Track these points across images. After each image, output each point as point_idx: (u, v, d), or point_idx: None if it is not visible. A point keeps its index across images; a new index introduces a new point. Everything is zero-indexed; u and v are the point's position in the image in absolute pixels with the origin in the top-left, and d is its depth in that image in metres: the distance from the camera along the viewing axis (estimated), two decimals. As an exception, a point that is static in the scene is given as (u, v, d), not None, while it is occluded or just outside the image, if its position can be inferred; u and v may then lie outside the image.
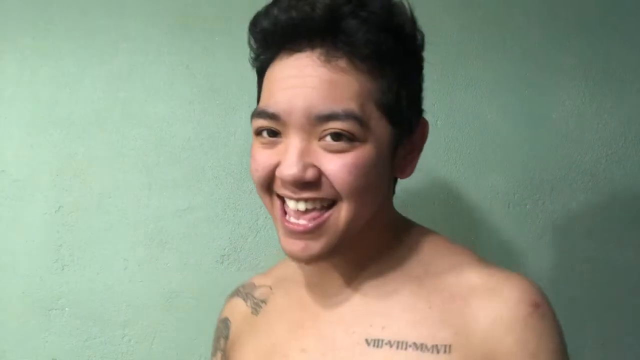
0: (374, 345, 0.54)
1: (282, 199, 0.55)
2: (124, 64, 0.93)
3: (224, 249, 0.94)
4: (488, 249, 0.97)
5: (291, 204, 0.54)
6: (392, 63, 0.53)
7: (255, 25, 0.56)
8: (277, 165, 0.53)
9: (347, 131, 0.51)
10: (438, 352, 0.51)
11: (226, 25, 0.95)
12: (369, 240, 0.59)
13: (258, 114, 0.54)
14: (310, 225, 0.53)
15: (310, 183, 0.52)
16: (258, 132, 0.55)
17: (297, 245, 0.54)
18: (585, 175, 0.99)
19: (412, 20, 0.56)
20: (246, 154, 0.95)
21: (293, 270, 0.66)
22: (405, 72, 0.55)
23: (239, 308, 0.70)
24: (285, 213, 0.55)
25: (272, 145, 0.54)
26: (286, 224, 0.54)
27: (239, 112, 0.95)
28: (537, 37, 0.99)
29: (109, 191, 0.93)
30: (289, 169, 0.51)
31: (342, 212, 0.53)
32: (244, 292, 0.71)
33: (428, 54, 0.99)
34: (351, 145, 0.51)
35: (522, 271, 0.96)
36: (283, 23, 0.52)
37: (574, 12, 0.99)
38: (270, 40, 0.55)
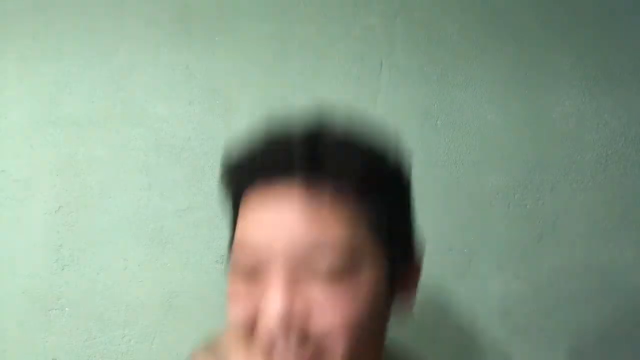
0: None
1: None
2: (124, 64, 0.93)
3: (224, 249, 0.94)
4: (488, 249, 0.97)
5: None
6: (379, 189, 0.48)
7: (229, 157, 0.52)
8: (255, 316, 0.46)
9: (337, 266, 0.45)
10: None
11: (226, 25, 0.95)
12: None
13: (237, 248, 0.50)
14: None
15: (297, 335, 0.44)
16: (235, 267, 0.50)
17: None
18: (585, 175, 0.99)
19: (398, 150, 0.51)
20: (246, 154, 0.95)
21: None
22: (394, 199, 0.51)
23: None
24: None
25: (252, 281, 0.48)
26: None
27: (239, 112, 0.95)
28: (537, 37, 0.99)
29: (109, 191, 0.93)
30: (271, 325, 0.44)
31: (337, 356, 0.45)
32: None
33: (428, 55, 0.99)
34: (343, 276, 0.45)
35: (523, 271, 0.97)
36: (259, 154, 0.49)
37: (573, 12, 0.99)
38: (246, 171, 0.50)
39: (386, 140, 0.51)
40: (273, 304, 0.44)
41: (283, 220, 0.46)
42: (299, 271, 0.45)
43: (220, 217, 0.94)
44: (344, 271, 0.45)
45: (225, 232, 0.95)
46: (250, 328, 0.46)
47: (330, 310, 0.44)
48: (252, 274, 0.47)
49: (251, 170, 0.49)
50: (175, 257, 0.93)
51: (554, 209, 0.98)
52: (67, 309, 0.91)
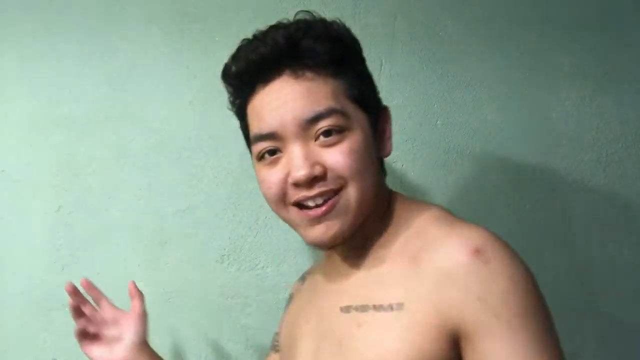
0: (344, 311, 0.62)
1: (297, 206, 0.62)
2: (124, 64, 0.94)
3: (224, 249, 0.94)
4: (488, 249, 0.97)
5: (310, 203, 0.61)
6: (347, 64, 0.63)
7: (228, 72, 0.67)
8: (286, 178, 0.61)
9: (335, 125, 0.60)
10: (392, 309, 0.58)
11: (226, 25, 0.95)
12: (371, 219, 0.65)
13: (256, 139, 0.63)
14: (326, 207, 0.60)
15: (318, 177, 0.59)
16: (260, 157, 0.64)
17: (319, 230, 0.61)
18: (585, 175, 0.99)
19: (349, 31, 0.66)
20: (246, 154, 0.95)
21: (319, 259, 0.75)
22: (359, 70, 0.66)
23: (298, 285, 0.81)
24: (302, 211, 0.62)
25: (275, 163, 0.62)
26: (307, 214, 0.61)
27: (239, 112, 0.95)
28: (537, 37, 0.99)
29: (109, 191, 0.93)
30: (299, 170, 0.59)
31: (351, 192, 0.60)
32: (304, 275, 0.82)
33: (428, 55, 0.99)
34: (342, 135, 0.60)
35: (522, 271, 0.97)
36: (255, 60, 0.63)
37: (573, 13, 0.99)
38: (246, 79, 0.64)
39: (342, 29, 0.65)
40: (296, 159, 0.60)
41: (285, 105, 0.60)
42: (308, 139, 0.60)
43: (220, 217, 0.94)
44: (340, 131, 0.60)
45: (226, 232, 0.95)
46: (283, 194, 0.62)
47: (338, 161, 0.59)
48: (273, 155, 0.62)
49: (250, 80, 0.64)
50: (175, 257, 0.93)
51: (554, 209, 0.98)
52: (67, 309, 0.91)
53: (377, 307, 0.59)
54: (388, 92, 0.95)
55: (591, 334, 0.97)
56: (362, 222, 0.63)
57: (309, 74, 0.61)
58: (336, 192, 0.60)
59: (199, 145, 0.94)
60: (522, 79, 0.98)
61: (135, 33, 0.94)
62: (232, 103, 0.70)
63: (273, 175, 0.62)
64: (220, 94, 0.95)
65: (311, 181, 0.60)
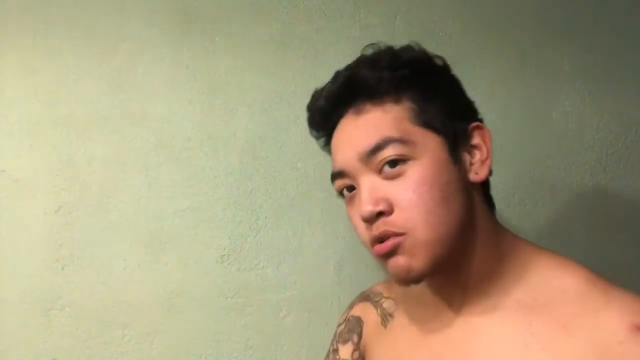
0: None
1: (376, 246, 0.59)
2: (124, 64, 0.93)
3: (224, 249, 0.94)
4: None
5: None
6: (411, 88, 0.60)
7: (310, 120, 0.68)
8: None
9: (396, 155, 0.56)
10: None
11: (226, 25, 0.95)
12: (470, 258, 0.60)
13: (332, 177, 0.63)
14: (387, 247, 0.57)
15: (385, 213, 0.57)
16: (339, 193, 0.64)
17: (391, 264, 0.58)
18: (585, 175, 0.99)
19: (419, 52, 0.64)
20: (246, 154, 0.95)
21: (413, 290, 0.66)
22: (430, 90, 0.61)
23: (370, 314, 0.74)
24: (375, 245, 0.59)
25: (353, 200, 0.61)
26: (376, 250, 0.58)
27: (239, 112, 0.95)
28: (537, 38, 0.99)
29: (109, 191, 0.93)
30: (363, 206, 0.57)
31: (419, 232, 0.56)
32: (374, 299, 0.75)
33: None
34: (407, 166, 0.57)
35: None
36: (322, 105, 0.65)
37: (573, 13, 0.99)
38: (321, 124, 0.66)
39: (410, 49, 0.64)
40: (361, 194, 0.58)
41: (348, 142, 0.60)
42: (373, 173, 0.58)
43: (220, 217, 0.94)
44: (404, 161, 0.56)
45: (226, 232, 0.95)
46: (365, 229, 0.59)
47: (402, 197, 0.56)
48: (351, 192, 0.61)
49: (324, 124, 0.65)
50: (175, 257, 0.93)
51: (554, 209, 0.98)
52: (67, 309, 0.91)
53: None
54: (388, 92, 0.95)
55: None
56: (456, 258, 0.58)
57: (368, 107, 0.60)
58: (401, 234, 0.56)
59: (199, 145, 0.94)
60: (522, 79, 0.98)
61: (135, 33, 0.94)
62: (319, 138, 0.69)
63: (355, 214, 0.61)
64: (220, 94, 0.95)
65: (377, 217, 0.57)
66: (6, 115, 0.92)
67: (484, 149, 0.61)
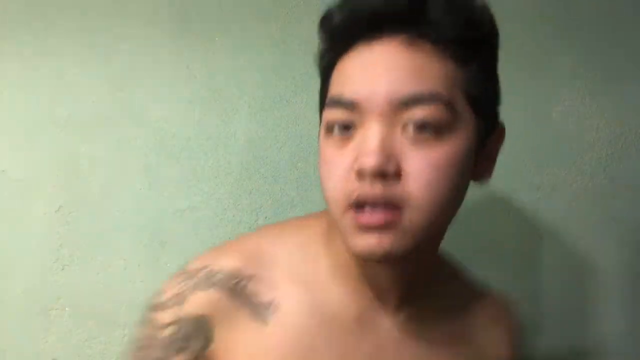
0: None
1: (355, 209, 0.49)
2: (124, 64, 0.93)
3: (224, 249, 0.94)
4: (488, 250, 0.97)
5: (367, 206, 0.48)
6: (476, 52, 0.51)
7: (327, 19, 0.54)
8: (352, 165, 0.48)
9: (434, 118, 0.47)
10: None
11: (226, 25, 0.95)
12: (429, 255, 0.57)
13: (332, 103, 0.49)
14: (380, 219, 0.47)
15: (388, 177, 0.46)
16: (328, 128, 0.50)
17: (370, 240, 0.48)
18: (585, 175, 0.99)
19: (493, 20, 0.55)
20: (246, 154, 0.95)
21: (304, 271, 0.56)
22: (487, 64, 0.54)
23: (225, 308, 0.55)
24: (357, 214, 0.49)
25: (344, 143, 0.49)
26: (360, 219, 0.48)
27: (239, 112, 0.95)
28: (537, 37, 0.99)
29: (109, 191, 0.93)
30: (369, 156, 0.46)
31: (418, 214, 0.48)
32: (225, 284, 0.55)
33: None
34: (439, 137, 0.47)
35: (522, 272, 0.97)
36: (365, 12, 0.49)
37: (574, 12, 0.99)
38: (347, 32, 0.51)
39: (484, 7, 0.53)
40: (370, 141, 0.46)
41: (382, 74, 0.47)
42: (393, 125, 0.47)
43: (220, 217, 0.94)
44: (438, 130, 0.47)
45: (225, 232, 0.95)
46: (347, 188, 0.48)
47: (420, 171, 0.47)
48: (344, 132, 0.49)
49: (352, 34, 0.50)
50: (175, 257, 0.93)
51: (554, 209, 0.98)
52: (67, 309, 0.91)
53: None
54: (388, 92, 0.95)
55: (591, 335, 0.97)
56: (427, 246, 0.54)
57: (427, 47, 0.48)
58: (400, 207, 0.48)
59: (199, 145, 0.94)
60: (522, 79, 0.98)
61: (135, 33, 0.94)
62: (321, 57, 0.56)
63: (340, 157, 0.49)
64: (220, 94, 0.95)
65: (380, 177, 0.46)
66: (6, 115, 0.92)
67: (495, 153, 0.57)
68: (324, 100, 0.54)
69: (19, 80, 0.92)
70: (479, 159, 0.54)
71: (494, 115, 0.56)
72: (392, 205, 0.47)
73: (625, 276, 0.98)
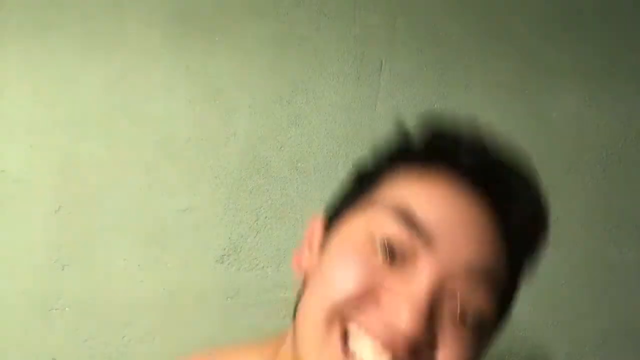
0: None
1: (344, 340, 0.40)
2: (124, 64, 0.93)
3: (224, 249, 0.94)
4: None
5: (366, 353, 0.39)
6: (523, 262, 0.46)
7: (456, 154, 0.44)
8: (379, 287, 0.40)
9: (483, 309, 0.41)
10: None
11: (226, 25, 0.95)
12: None
13: (395, 212, 0.40)
14: None
15: (415, 349, 0.39)
16: (370, 240, 0.41)
17: None
18: (585, 175, 0.99)
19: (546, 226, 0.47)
20: (246, 154, 0.95)
21: None
22: (521, 279, 0.48)
23: None
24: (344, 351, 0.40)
25: (389, 270, 0.40)
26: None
27: (239, 112, 0.95)
28: (537, 38, 0.99)
29: (109, 191, 0.93)
30: (408, 314, 0.38)
31: None
32: None
33: (428, 55, 0.99)
34: (473, 330, 0.41)
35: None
36: (477, 160, 0.44)
37: (574, 12, 0.99)
38: (447, 155, 0.44)
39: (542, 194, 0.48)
40: (419, 291, 0.38)
41: (472, 229, 0.41)
42: (444, 293, 0.40)
43: (220, 217, 0.94)
44: (478, 324, 0.41)
45: (225, 232, 0.95)
46: (359, 303, 0.39)
47: (453, 351, 0.40)
48: (389, 257, 0.40)
49: (449, 158, 0.43)
50: (175, 257, 0.93)
51: (554, 209, 0.98)
52: (67, 309, 0.91)
53: None
54: (388, 92, 0.95)
55: (591, 334, 0.97)
56: None
57: (494, 230, 0.42)
58: None
59: (198, 145, 0.94)
60: (522, 79, 0.98)
61: (135, 33, 0.94)
62: (383, 150, 0.47)
63: (372, 273, 0.40)
64: (220, 94, 0.95)
65: (405, 343, 0.38)
66: (6, 115, 0.92)
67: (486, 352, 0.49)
68: (359, 192, 0.45)
69: (19, 80, 0.92)
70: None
71: (505, 321, 0.48)
72: None
73: (625, 276, 0.98)
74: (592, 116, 0.99)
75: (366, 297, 0.39)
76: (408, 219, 0.40)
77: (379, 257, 0.40)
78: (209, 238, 0.94)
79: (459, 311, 0.40)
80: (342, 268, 0.41)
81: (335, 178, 0.95)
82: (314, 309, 0.41)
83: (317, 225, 0.48)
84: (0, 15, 0.92)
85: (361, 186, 0.46)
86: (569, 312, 0.97)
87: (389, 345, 0.38)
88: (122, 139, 0.93)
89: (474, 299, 0.40)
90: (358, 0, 0.98)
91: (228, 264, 0.94)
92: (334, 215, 0.47)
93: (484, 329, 0.42)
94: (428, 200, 0.41)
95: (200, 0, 0.95)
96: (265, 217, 0.95)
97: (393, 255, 0.40)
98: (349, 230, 0.43)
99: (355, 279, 0.40)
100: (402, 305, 0.38)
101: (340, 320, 0.40)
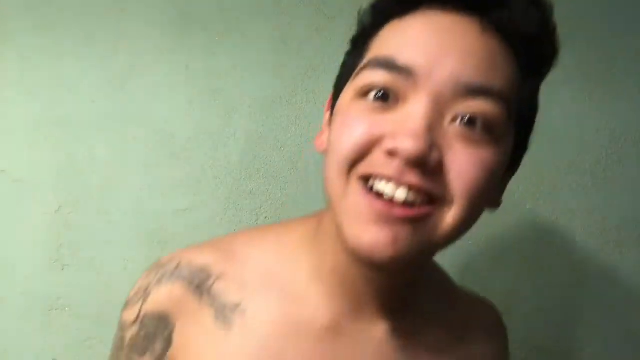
0: None
1: (364, 181, 0.43)
2: (124, 64, 0.93)
3: (224, 249, 0.94)
4: (488, 250, 0.97)
5: (388, 189, 0.41)
6: (541, 63, 0.47)
7: None
8: (381, 137, 0.41)
9: (490, 118, 0.42)
10: None
11: (226, 25, 0.95)
12: (427, 265, 0.54)
13: (378, 64, 0.42)
14: (414, 212, 0.41)
15: (427, 169, 0.40)
16: (364, 93, 0.43)
17: (382, 234, 0.40)
18: (585, 175, 0.99)
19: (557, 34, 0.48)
20: (246, 154, 0.95)
21: (279, 276, 0.50)
22: (539, 84, 0.49)
23: (188, 305, 0.49)
24: (370, 194, 0.42)
25: (380, 111, 0.42)
26: (377, 202, 0.41)
27: (239, 112, 0.95)
28: (537, 37, 0.99)
29: (109, 191, 0.93)
30: (411, 139, 0.39)
31: (450, 216, 0.42)
32: (193, 280, 0.50)
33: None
34: (489, 139, 0.42)
35: (522, 271, 0.97)
36: None
37: (574, 12, 0.99)
38: None
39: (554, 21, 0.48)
40: (416, 120, 0.40)
41: (454, 49, 0.41)
42: (445, 112, 0.41)
43: (221, 217, 0.94)
44: (488, 132, 0.42)
45: (225, 232, 0.95)
46: (362, 154, 0.42)
47: (463, 170, 0.41)
48: (381, 101, 0.42)
49: None
50: (175, 257, 0.93)
51: (554, 209, 0.98)
52: (67, 309, 0.91)
53: None
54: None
55: (591, 335, 0.97)
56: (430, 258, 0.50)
57: (497, 39, 0.43)
58: (434, 202, 0.42)
59: (199, 145, 0.94)
60: (522, 79, 0.98)
61: (135, 33, 0.94)
62: (367, 15, 0.51)
63: (369, 123, 0.42)
64: (220, 94, 0.95)
65: (416, 165, 0.40)
66: (6, 115, 0.92)
67: (506, 184, 0.51)
68: (353, 64, 0.48)
69: (19, 80, 0.92)
70: (505, 177, 0.49)
71: (526, 143, 0.51)
72: (427, 199, 0.41)
73: (626, 276, 0.98)
74: (592, 116, 0.99)
75: (371, 145, 0.42)
76: (388, 63, 0.42)
77: (373, 104, 0.43)
78: (209, 238, 0.94)
79: (461, 117, 0.41)
80: (345, 126, 0.43)
81: (335, 178, 0.95)
82: (330, 170, 0.44)
83: (327, 105, 0.53)
84: (0, 15, 0.92)
85: (353, 57, 0.49)
86: (569, 312, 0.97)
87: (403, 181, 0.40)
88: (122, 139, 0.93)
89: (477, 109, 0.41)
90: (358, 0, 0.97)
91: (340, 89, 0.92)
92: (337, 90, 0.50)
93: (495, 138, 0.42)
94: (403, 39, 0.43)
95: (200, 0, 0.95)
96: (265, 217, 0.95)
97: (385, 97, 0.42)
98: (346, 96, 0.46)
99: (357, 131, 0.42)
100: (402, 135, 0.40)
101: (354, 169, 0.42)
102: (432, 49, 0.41)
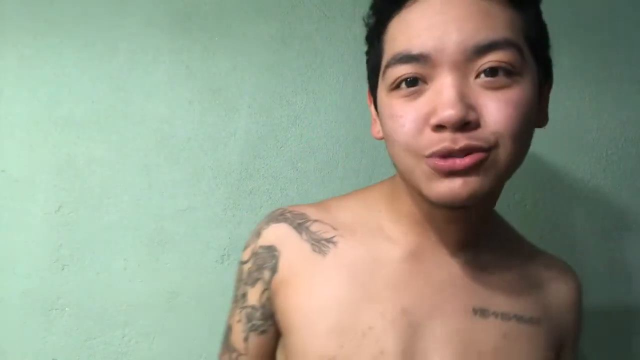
0: (479, 315, 0.57)
1: (427, 157, 0.50)
2: (124, 64, 0.94)
3: (224, 249, 0.94)
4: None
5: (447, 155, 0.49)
6: (534, 4, 0.52)
7: None
8: (428, 117, 0.49)
9: (508, 63, 0.48)
10: (532, 323, 0.58)
11: (226, 25, 0.95)
12: (495, 199, 0.61)
13: (398, 60, 0.50)
14: (471, 160, 0.48)
15: (470, 125, 0.48)
16: (396, 85, 0.51)
17: (454, 183, 0.49)
18: (585, 175, 0.99)
19: None
20: (246, 154, 0.95)
21: (365, 221, 0.61)
22: (539, 9, 0.54)
23: (291, 239, 0.61)
24: (438, 159, 0.50)
25: (414, 96, 0.50)
26: (441, 164, 0.49)
27: (239, 112, 0.95)
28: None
29: (109, 191, 0.93)
30: (449, 108, 0.47)
31: (503, 152, 0.49)
32: (294, 220, 0.62)
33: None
34: (511, 80, 0.49)
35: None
36: None
37: (574, 12, 0.99)
38: None
39: None
40: (447, 93, 0.47)
41: (450, 23, 0.48)
42: (467, 73, 0.48)
43: (220, 217, 0.94)
44: (509, 74, 0.48)
45: (225, 232, 0.95)
46: (419, 136, 0.49)
47: (499, 112, 0.48)
48: (413, 86, 0.50)
49: None
50: (175, 257, 0.93)
51: (554, 209, 0.98)
52: (67, 309, 0.91)
53: (519, 319, 0.58)
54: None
55: (590, 334, 0.97)
56: (498, 191, 0.57)
57: (498, 4, 0.49)
58: (486, 150, 0.49)
59: (199, 145, 0.94)
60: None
61: (135, 33, 0.94)
62: (370, 15, 0.56)
63: (411, 110, 0.49)
64: (220, 94, 0.95)
65: (461, 127, 0.47)
66: (6, 115, 0.92)
67: (547, 100, 0.57)
68: (375, 65, 0.55)
69: (19, 80, 0.92)
70: (540, 104, 0.55)
71: (549, 61, 0.56)
72: (483, 149, 0.48)
73: (626, 276, 0.98)
74: (592, 116, 0.99)
75: (420, 127, 0.49)
76: (404, 57, 0.49)
77: (407, 90, 0.50)
78: (209, 238, 0.94)
79: (483, 72, 0.48)
80: (393, 118, 0.51)
81: (335, 178, 0.95)
82: (397, 153, 0.52)
83: (368, 100, 0.61)
84: (0, 15, 0.92)
85: (373, 54, 0.56)
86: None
87: (457, 146, 0.47)
88: (122, 139, 0.93)
89: (491, 61, 0.48)
90: (358, 0, 0.98)
91: (228, 264, 0.94)
92: (372, 86, 0.58)
93: (516, 77, 0.49)
94: (409, 31, 0.50)
95: (201, 0, 0.95)
96: (265, 217, 0.94)
97: (415, 81, 0.49)
98: (382, 93, 0.54)
99: (405, 121, 0.50)
100: (440, 108, 0.47)
101: (416, 152, 0.50)
102: (435, 30, 0.48)
